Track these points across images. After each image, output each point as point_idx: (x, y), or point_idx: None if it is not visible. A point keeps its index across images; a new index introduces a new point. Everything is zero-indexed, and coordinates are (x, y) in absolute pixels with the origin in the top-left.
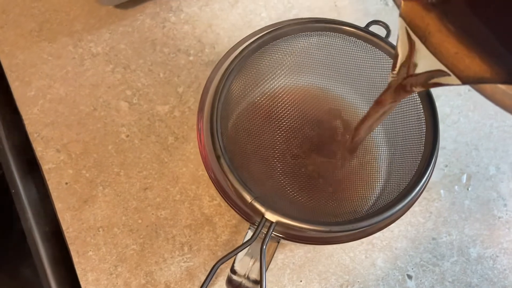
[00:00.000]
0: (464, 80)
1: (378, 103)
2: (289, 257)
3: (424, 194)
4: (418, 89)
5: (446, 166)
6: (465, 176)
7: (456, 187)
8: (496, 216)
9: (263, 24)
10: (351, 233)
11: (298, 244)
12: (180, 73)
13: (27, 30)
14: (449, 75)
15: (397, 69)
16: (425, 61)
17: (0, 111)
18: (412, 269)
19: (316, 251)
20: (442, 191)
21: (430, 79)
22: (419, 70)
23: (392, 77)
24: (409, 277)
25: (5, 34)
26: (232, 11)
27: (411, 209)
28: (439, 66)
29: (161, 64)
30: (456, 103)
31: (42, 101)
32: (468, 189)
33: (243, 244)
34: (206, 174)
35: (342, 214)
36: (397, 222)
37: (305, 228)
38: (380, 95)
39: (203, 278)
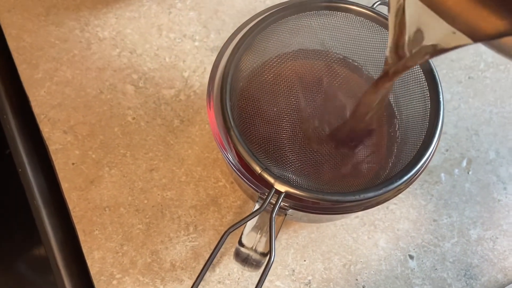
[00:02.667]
0: (476, 38)
1: (375, 86)
2: (293, 237)
3: (425, 177)
4: (421, 60)
5: (447, 150)
6: (465, 160)
7: (456, 170)
8: (496, 199)
9: None
10: (356, 204)
11: (302, 224)
12: (186, 58)
13: (34, 14)
14: (453, 33)
15: (391, 42)
16: (425, 22)
17: (7, 92)
18: (414, 249)
19: (319, 232)
20: (442, 174)
21: (435, 46)
22: (421, 38)
23: (389, 53)
24: (411, 257)
25: (13, 18)
26: None
27: (412, 192)
28: (445, 27)
29: (167, 49)
30: (457, 89)
31: (49, 83)
32: (468, 173)
33: (253, 212)
34: (211, 156)
35: (348, 187)
36: (398, 204)
37: (312, 198)
38: (377, 78)
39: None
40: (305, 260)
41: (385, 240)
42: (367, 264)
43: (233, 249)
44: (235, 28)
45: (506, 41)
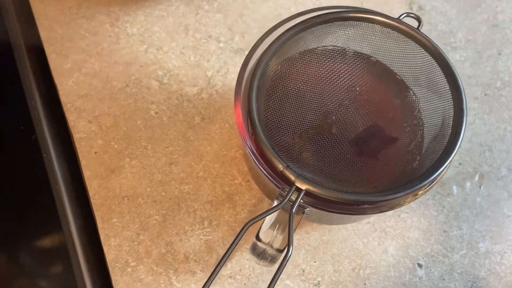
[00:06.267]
0: None
1: None
2: (305, 238)
3: (437, 188)
4: None
5: (460, 164)
6: (478, 175)
7: (468, 184)
8: (506, 214)
9: None
10: (374, 205)
11: (313, 226)
12: (210, 58)
13: (66, 7)
14: None
15: None
16: None
17: (36, 80)
18: (423, 258)
19: (330, 235)
20: (455, 187)
21: None
22: None
23: None
24: (420, 266)
25: (45, 9)
26: (263, 4)
27: (424, 202)
28: None
29: (192, 48)
30: (473, 105)
31: (77, 74)
32: (480, 187)
33: (272, 208)
34: (229, 154)
35: (368, 189)
36: (410, 213)
37: (332, 196)
38: None
39: (221, 251)
40: (315, 261)
41: (395, 247)
42: (376, 270)
43: (246, 246)
44: (259, 32)
45: None
